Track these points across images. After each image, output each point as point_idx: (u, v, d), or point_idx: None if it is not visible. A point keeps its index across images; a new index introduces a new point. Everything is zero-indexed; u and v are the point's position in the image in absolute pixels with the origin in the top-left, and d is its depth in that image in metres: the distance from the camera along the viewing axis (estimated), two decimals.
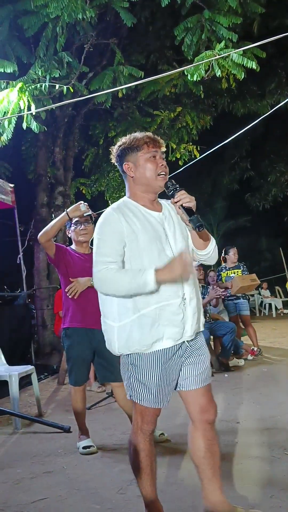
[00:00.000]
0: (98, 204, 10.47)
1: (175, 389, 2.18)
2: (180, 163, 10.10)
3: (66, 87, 5.71)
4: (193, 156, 10.11)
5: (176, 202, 2.10)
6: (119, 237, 2.03)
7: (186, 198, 2.07)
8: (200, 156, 9.77)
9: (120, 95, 7.39)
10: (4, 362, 4.77)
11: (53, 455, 3.40)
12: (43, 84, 5.49)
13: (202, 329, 2.18)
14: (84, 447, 3.36)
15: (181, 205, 2.08)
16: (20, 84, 5.23)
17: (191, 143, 10.20)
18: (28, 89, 5.27)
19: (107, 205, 10.26)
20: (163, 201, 2.25)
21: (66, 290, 3.47)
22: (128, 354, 2.06)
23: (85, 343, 3.42)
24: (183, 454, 3.23)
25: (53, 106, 4.99)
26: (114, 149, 2.23)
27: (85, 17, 5.51)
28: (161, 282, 1.95)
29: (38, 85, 5.45)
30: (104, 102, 7.33)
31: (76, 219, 3.59)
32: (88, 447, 3.36)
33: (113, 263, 2.01)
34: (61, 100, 5.75)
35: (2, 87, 5.50)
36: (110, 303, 2.09)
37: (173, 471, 2.96)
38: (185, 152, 10.22)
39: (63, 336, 3.51)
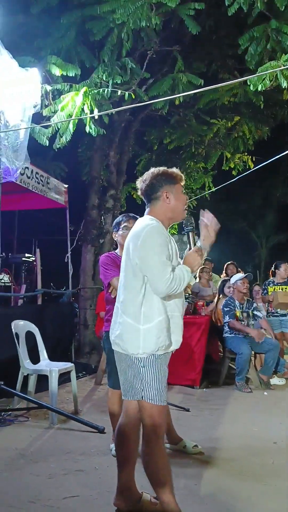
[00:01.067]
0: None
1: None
2: (234, 173, 10.00)
3: (128, 93, 5.79)
4: (247, 167, 9.98)
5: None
6: (168, 249, 2.36)
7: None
8: (254, 167, 9.63)
9: (177, 102, 7.41)
10: (46, 357, 4.88)
11: (86, 454, 3.43)
12: (106, 89, 5.59)
13: None
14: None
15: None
16: (84, 88, 5.35)
17: (246, 153, 10.09)
18: (91, 93, 5.38)
19: None
20: None
21: (110, 291, 3.50)
22: (149, 355, 2.30)
23: None
24: (215, 468, 3.19)
25: (114, 110, 5.07)
26: (149, 176, 2.50)
27: (150, 24, 5.57)
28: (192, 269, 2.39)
29: (101, 90, 5.55)
30: (162, 109, 7.37)
31: (125, 224, 3.57)
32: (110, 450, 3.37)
33: (173, 267, 2.32)
34: (120, 105, 5.85)
35: (66, 90, 5.64)
36: (138, 305, 2.33)
37: (204, 485, 2.92)
38: (239, 162, 10.12)
39: (105, 338, 3.54)
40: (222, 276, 8.41)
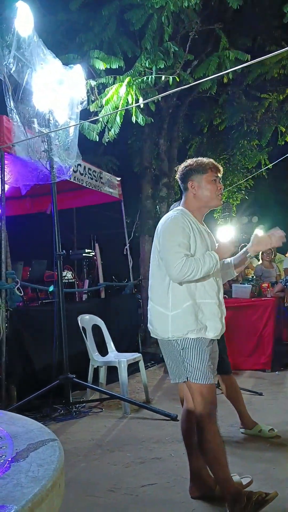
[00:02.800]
0: None
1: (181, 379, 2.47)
2: None
3: (172, 77, 5.70)
4: None
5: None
6: (188, 236, 2.39)
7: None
8: None
9: (225, 80, 7.23)
10: (114, 349, 4.96)
11: (161, 442, 3.46)
12: (150, 76, 5.54)
13: None
14: None
15: None
16: (128, 79, 5.33)
17: None
18: (135, 82, 5.35)
19: None
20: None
21: None
22: (183, 338, 2.36)
23: None
24: None
25: (159, 96, 5.00)
26: (180, 168, 2.60)
27: (190, 4, 5.44)
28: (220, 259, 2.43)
29: (145, 78, 5.51)
30: (209, 89, 7.21)
31: None
32: None
33: (188, 254, 2.34)
34: (166, 91, 5.77)
35: (110, 83, 5.65)
36: (164, 293, 2.41)
37: (282, 469, 2.85)
38: None
39: None
40: (287, 255, 8.17)
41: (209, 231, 2.61)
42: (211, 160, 2.62)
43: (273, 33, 7.97)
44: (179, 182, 2.63)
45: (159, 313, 2.43)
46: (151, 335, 2.55)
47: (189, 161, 2.60)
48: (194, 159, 2.61)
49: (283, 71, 7.96)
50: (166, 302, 2.40)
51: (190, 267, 2.29)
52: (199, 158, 2.61)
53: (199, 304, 2.40)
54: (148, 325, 2.55)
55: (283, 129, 9.57)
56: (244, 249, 2.68)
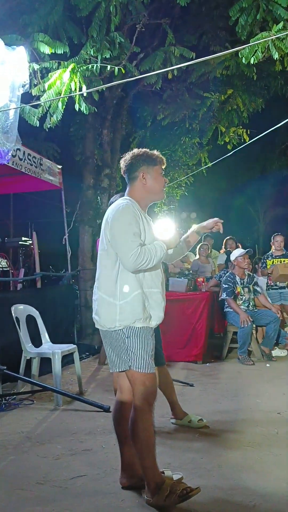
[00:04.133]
0: None
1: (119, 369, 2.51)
2: (229, 147, 9.86)
3: (118, 68, 5.65)
4: (242, 140, 9.85)
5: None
6: (138, 225, 2.41)
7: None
8: (250, 140, 9.50)
9: (170, 76, 7.25)
10: (48, 340, 4.88)
11: (92, 433, 3.46)
12: (95, 65, 5.45)
13: None
14: None
15: None
16: (72, 65, 5.21)
17: (241, 127, 9.94)
18: (79, 70, 5.25)
19: None
20: None
21: None
22: (129, 327, 2.37)
23: None
24: (220, 440, 3.21)
25: (104, 86, 4.94)
26: (129, 156, 2.60)
27: None
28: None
29: (90, 66, 5.41)
30: (154, 84, 7.22)
31: None
32: None
33: (141, 243, 2.37)
34: (111, 81, 5.71)
35: (54, 68, 5.51)
36: (113, 282, 2.40)
37: (210, 458, 2.94)
38: (234, 136, 9.98)
39: None
40: (221, 251, 8.40)
41: (150, 221, 2.63)
42: (159, 153, 2.64)
43: (218, 34, 8.10)
44: (124, 171, 2.61)
45: (107, 303, 2.42)
46: (96, 326, 2.52)
47: (136, 151, 2.61)
48: (142, 150, 2.62)
49: (226, 72, 8.12)
50: (114, 291, 2.40)
51: (145, 256, 2.33)
52: (147, 150, 2.63)
53: (146, 293, 2.43)
54: (94, 315, 2.52)
55: (223, 129, 9.80)
56: (194, 228, 2.82)
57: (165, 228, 6.62)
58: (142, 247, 2.34)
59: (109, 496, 2.48)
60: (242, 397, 4.37)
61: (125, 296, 2.38)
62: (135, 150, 2.62)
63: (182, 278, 6.64)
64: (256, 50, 5.44)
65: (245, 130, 9.86)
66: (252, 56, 5.44)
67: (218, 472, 2.73)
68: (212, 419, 3.67)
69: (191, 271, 7.51)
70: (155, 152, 2.62)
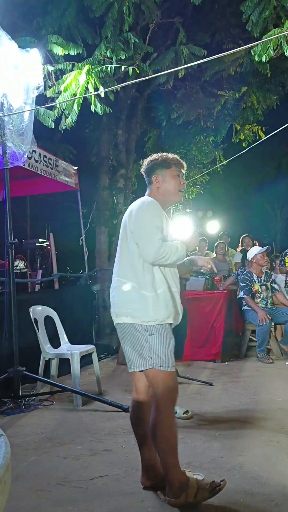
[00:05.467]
0: None
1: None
2: (244, 144, 9.80)
3: (132, 68, 5.65)
4: (257, 138, 9.77)
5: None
6: (162, 221, 2.46)
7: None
8: (265, 137, 9.42)
9: (180, 75, 7.23)
10: (67, 341, 4.90)
11: (112, 433, 3.45)
12: (109, 65, 5.46)
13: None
14: None
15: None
16: (87, 67, 5.23)
17: (256, 124, 9.86)
18: (94, 71, 5.26)
19: None
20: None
21: None
22: (153, 325, 2.35)
23: None
24: (240, 439, 3.18)
25: (118, 86, 4.95)
26: (146, 162, 2.66)
27: None
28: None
29: (104, 67, 5.43)
30: (166, 83, 7.20)
31: None
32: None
33: (163, 238, 2.39)
34: (125, 82, 5.71)
35: (68, 69, 5.53)
36: (140, 274, 2.39)
37: (231, 457, 2.91)
38: (249, 133, 9.91)
39: None
40: (238, 249, 8.35)
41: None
42: (176, 156, 2.67)
43: (231, 31, 8.04)
44: (144, 175, 2.68)
45: (136, 295, 2.38)
46: (120, 321, 2.44)
47: (154, 156, 2.66)
48: (160, 154, 2.67)
49: (239, 70, 8.06)
50: (143, 282, 2.38)
51: (166, 250, 2.34)
52: (164, 153, 2.67)
53: (170, 290, 2.44)
54: (117, 311, 2.45)
55: (238, 127, 9.73)
56: (189, 258, 2.74)
57: (183, 227, 6.63)
58: (164, 241, 2.37)
59: (129, 496, 2.47)
60: (261, 395, 4.33)
61: (155, 289, 2.38)
62: (153, 155, 2.67)
63: (199, 277, 6.61)
64: (268, 48, 5.39)
65: (260, 127, 9.78)
66: (265, 53, 5.38)
67: (239, 471, 2.70)
68: (231, 417, 3.65)
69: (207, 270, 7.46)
70: (170, 155, 2.66)
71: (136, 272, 2.40)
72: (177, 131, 10.22)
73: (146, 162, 2.67)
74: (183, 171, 2.65)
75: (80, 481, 2.66)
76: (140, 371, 2.44)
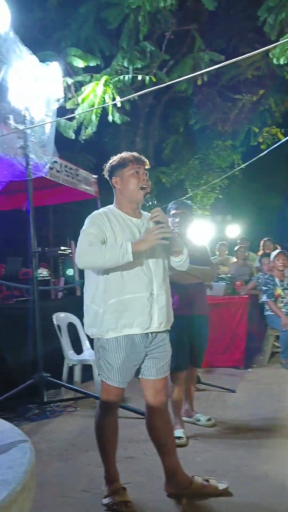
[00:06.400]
0: (178, 193, 10.43)
1: (136, 376, 2.55)
2: (263, 147, 9.76)
3: (149, 77, 5.72)
4: (276, 140, 9.73)
5: (152, 218, 2.40)
6: (102, 231, 2.37)
7: (159, 216, 2.38)
8: (284, 138, 9.36)
9: (199, 82, 7.27)
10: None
11: (135, 440, 3.47)
12: (126, 75, 5.54)
13: (168, 327, 2.51)
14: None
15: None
16: (105, 77, 5.32)
17: (274, 126, 9.82)
18: (112, 81, 5.35)
19: (186, 194, 10.23)
20: (145, 213, 2.57)
21: None
22: (99, 338, 2.41)
23: (185, 328, 3.49)
24: (265, 448, 3.16)
25: (135, 95, 5.01)
26: (106, 166, 2.58)
27: (165, 4, 5.46)
28: (137, 252, 2.28)
29: (121, 76, 5.51)
30: (185, 90, 7.25)
31: (174, 211, 3.63)
32: (178, 438, 3.30)
33: (93, 242, 2.33)
34: (142, 90, 5.78)
35: (87, 81, 5.63)
36: (97, 290, 2.40)
37: (254, 466, 2.90)
38: (268, 136, 9.87)
39: None
40: (259, 253, 8.30)
41: (150, 225, 2.47)
42: (133, 153, 2.56)
43: (247, 35, 8.06)
44: (110, 182, 2.60)
45: (91, 309, 2.47)
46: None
47: (112, 158, 2.58)
48: (118, 155, 2.56)
49: (256, 73, 8.06)
50: (97, 295, 2.43)
51: (94, 252, 2.29)
52: (120, 155, 2.56)
53: (127, 300, 2.37)
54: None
55: (256, 130, 9.71)
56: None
57: (199, 230, 6.63)
58: (91, 245, 2.31)
59: (152, 504, 2.48)
60: (286, 402, 4.29)
61: (105, 303, 2.38)
62: (112, 158, 2.58)
63: (220, 282, 6.59)
64: (286, 49, 5.39)
65: (279, 129, 9.73)
66: (283, 56, 5.39)
67: (264, 480, 2.69)
68: (256, 425, 3.62)
69: (228, 275, 7.44)
70: (128, 153, 2.54)
71: (89, 286, 2.47)
72: (195, 137, 10.26)
73: (106, 167, 2.59)
74: (145, 167, 2.51)
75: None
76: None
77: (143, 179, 2.48)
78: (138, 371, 2.52)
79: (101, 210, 2.52)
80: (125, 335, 2.37)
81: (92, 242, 2.33)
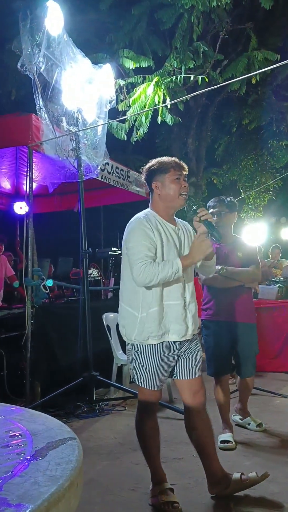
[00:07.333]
0: (231, 194, 10.28)
1: (170, 376, 2.59)
2: None
3: (201, 77, 5.67)
4: None
5: (199, 217, 2.43)
6: (152, 240, 2.39)
7: (207, 214, 2.44)
8: None
9: (253, 81, 7.14)
10: None
11: (183, 442, 3.43)
12: (178, 76, 5.53)
13: (197, 331, 2.57)
14: (222, 441, 3.30)
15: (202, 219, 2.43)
16: (156, 78, 5.33)
17: None
18: (163, 82, 5.35)
19: (239, 195, 10.07)
20: (178, 220, 2.64)
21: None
22: (139, 343, 2.42)
23: (224, 334, 3.43)
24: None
25: (187, 96, 4.98)
26: (144, 170, 2.58)
27: (220, 4, 5.40)
28: (186, 267, 2.36)
29: (174, 77, 5.51)
30: (238, 90, 7.15)
31: (215, 209, 3.52)
32: (227, 441, 3.28)
33: (150, 258, 2.35)
34: (196, 91, 5.74)
35: (139, 82, 5.66)
36: (136, 295, 2.41)
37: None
38: None
39: (202, 326, 3.53)
40: None
41: (187, 229, 2.61)
42: (174, 158, 2.57)
43: None
44: (146, 185, 2.61)
45: (130, 314, 2.47)
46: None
47: (152, 162, 2.57)
48: (157, 159, 2.57)
49: None
50: (138, 303, 2.42)
51: (149, 273, 2.30)
52: (162, 158, 2.57)
53: (165, 308, 2.42)
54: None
55: None
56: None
57: (254, 234, 6.50)
58: (147, 264, 2.31)
59: (199, 506, 2.46)
60: None
61: (145, 310, 2.39)
62: (152, 161, 2.58)
63: (272, 285, 6.43)
64: None
65: None
66: None
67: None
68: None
69: (281, 278, 7.24)
70: (167, 158, 2.55)
71: (131, 293, 2.44)
72: (248, 137, 10.08)
73: (144, 170, 2.58)
74: (184, 173, 2.52)
75: None
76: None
77: (184, 186, 2.49)
78: (171, 372, 2.55)
79: (142, 216, 2.48)
80: (163, 341, 2.42)
81: (147, 259, 2.32)
